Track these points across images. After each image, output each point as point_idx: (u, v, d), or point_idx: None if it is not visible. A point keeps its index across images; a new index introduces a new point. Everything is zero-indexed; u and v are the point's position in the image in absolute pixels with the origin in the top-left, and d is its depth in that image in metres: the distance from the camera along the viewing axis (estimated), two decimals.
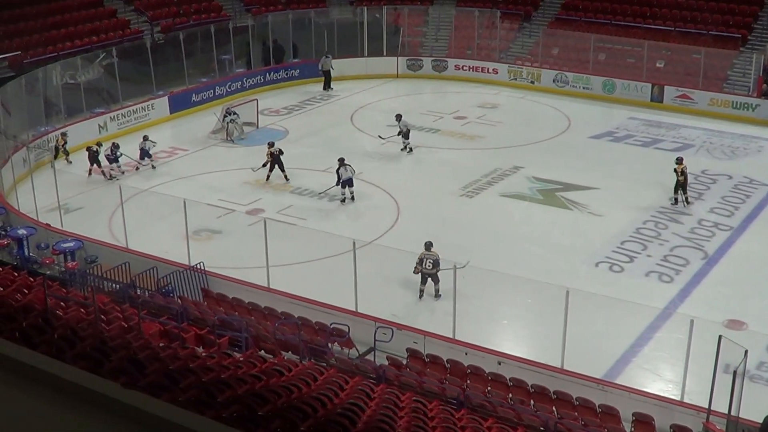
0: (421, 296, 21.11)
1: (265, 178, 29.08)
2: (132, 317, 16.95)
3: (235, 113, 33.48)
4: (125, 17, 39.96)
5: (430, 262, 20.78)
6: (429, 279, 20.98)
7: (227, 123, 33.06)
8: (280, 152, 28.95)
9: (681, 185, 26.57)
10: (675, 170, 26.58)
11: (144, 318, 17.33)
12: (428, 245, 21.06)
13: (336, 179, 26.99)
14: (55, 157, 29.21)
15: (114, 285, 20.67)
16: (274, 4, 43.76)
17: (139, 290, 20.36)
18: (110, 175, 28.95)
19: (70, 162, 30.18)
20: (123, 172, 29.40)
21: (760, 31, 39.19)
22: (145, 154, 30.25)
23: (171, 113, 35.53)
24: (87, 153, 29.03)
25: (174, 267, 21.12)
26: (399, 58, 41.60)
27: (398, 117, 31.61)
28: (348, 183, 26.88)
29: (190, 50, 37.99)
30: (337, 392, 12.93)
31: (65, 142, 30.38)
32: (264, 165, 28.74)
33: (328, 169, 29.25)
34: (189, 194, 25.11)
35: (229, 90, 38.27)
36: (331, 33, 42.50)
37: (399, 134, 31.34)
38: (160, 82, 36.42)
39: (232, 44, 39.76)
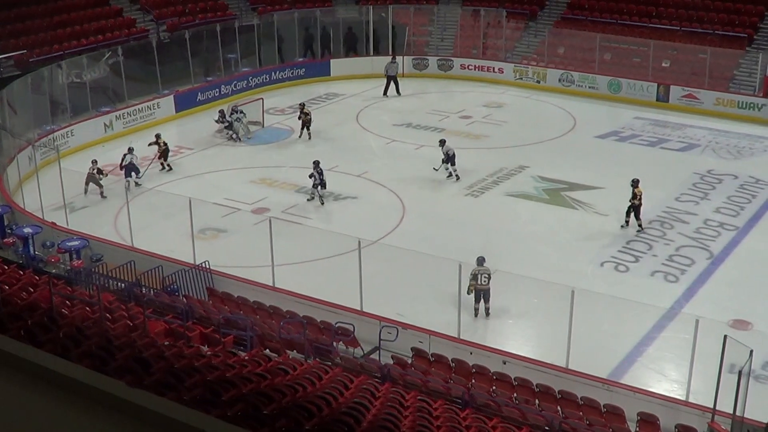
0: (476, 315, 20.17)
1: (299, 135, 33.06)
2: (137, 316, 16.97)
3: (241, 112, 33.48)
4: (131, 16, 40.02)
5: (485, 276, 19.89)
6: (482, 295, 20.07)
7: (233, 121, 33.06)
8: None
9: (636, 208, 24.74)
10: (634, 193, 24.57)
11: (149, 317, 17.34)
12: (481, 260, 20.20)
13: (318, 181, 26.68)
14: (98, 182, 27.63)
15: (119, 284, 20.69)
16: (279, 3, 43.75)
17: (144, 289, 20.37)
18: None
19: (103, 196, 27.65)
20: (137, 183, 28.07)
21: (766, 30, 39.13)
22: (131, 169, 28.16)
23: (176, 112, 35.55)
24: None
25: (179, 266, 21.14)
26: (404, 57, 41.55)
27: (441, 142, 29.22)
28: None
29: (196, 49, 37.97)
30: (342, 391, 12.95)
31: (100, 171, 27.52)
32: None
33: (333, 168, 29.26)
34: (194, 193, 25.14)
35: (234, 89, 38.26)
36: (337, 32, 42.55)
37: (443, 161, 28.87)
38: (165, 80, 36.44)
39: (237, 43, 39.76)
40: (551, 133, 33.99)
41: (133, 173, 28.20)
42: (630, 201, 24.75)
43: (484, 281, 19.93)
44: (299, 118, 33.21)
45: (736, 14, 39.86)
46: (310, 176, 26.76)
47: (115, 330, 14.74)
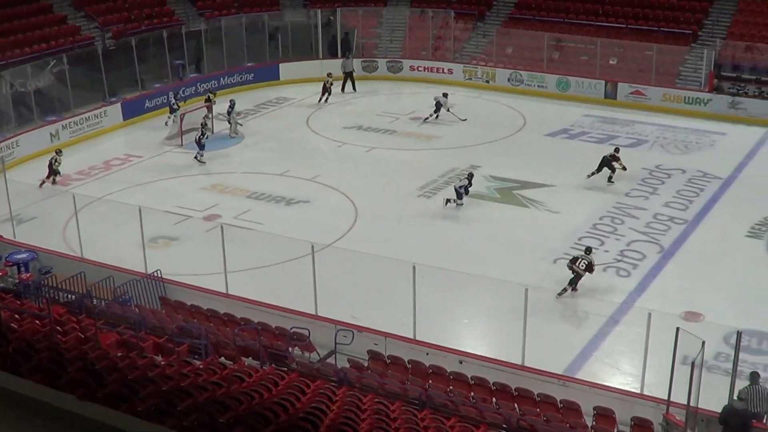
0: (560, 293, 21.12)
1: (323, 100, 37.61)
2: (89, 328, 16.76)
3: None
4: (76, 23, 39.48)
5: (584, 262, 21.00)
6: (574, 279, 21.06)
7: (233, 118, 33.53)
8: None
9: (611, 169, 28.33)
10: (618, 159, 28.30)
11: (101, 328, 17.15)
12: (588, 249, 21.60)
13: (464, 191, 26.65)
14: (53, 177, 28.72)
15: (69, 296, 20.42)
16: (227, 8, 43.51)
17: (95, 300, 20.13)
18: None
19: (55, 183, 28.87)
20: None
21: (710, 27, 39.69)
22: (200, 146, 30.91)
23: (124, 120, 35.17)
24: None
25: (131, 275, 20.91)
26: (354, 59, 41.51)
27: (445, 95, 35.11)
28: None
29: (143, 56, 37.66)
30: (298, 396, 12.89)
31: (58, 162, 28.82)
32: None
33: (285, 172, 29.25)
34: (144, 201, 24.91)
35: (182, 95, 37.84)
36: (285, 36, 42.42)
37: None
38: (112, 88, 36.06)
39: (185, 49, 39.46)
40: (502, 132, 34.18)
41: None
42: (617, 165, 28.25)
43: (582, 266, 20.92)
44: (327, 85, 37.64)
45: (681, 11, 40.44)
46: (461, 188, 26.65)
47: (66, 343, 14.54)
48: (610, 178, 28.30)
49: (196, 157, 30.86)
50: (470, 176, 26.95)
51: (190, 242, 24.63)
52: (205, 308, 19.89)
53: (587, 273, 20.96)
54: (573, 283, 21.02)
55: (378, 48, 43.90)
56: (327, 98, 37.88)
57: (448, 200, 26.72)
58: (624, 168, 28.32)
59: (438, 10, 43.63)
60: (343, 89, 39.64)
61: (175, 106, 34.67)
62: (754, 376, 15.56)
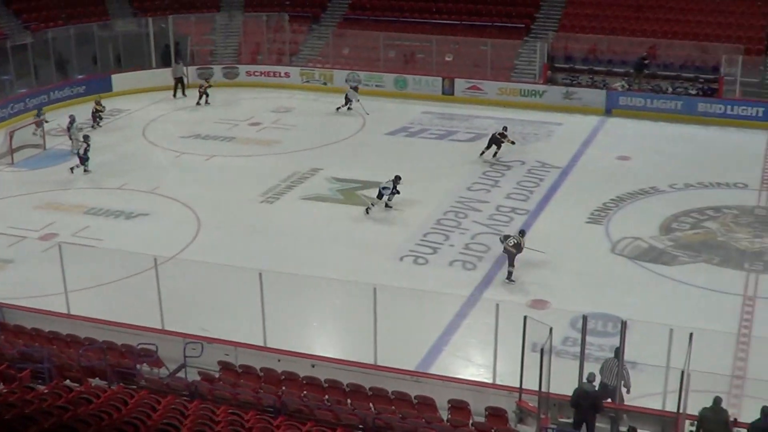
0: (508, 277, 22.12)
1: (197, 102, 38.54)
2: None
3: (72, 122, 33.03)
4: None
5: (513, 240, 22.06)
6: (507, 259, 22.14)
7: (74, 133, 32.29)
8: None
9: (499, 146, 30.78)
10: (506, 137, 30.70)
11: None
12: (522, 232, 22.69)
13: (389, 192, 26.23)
14: None
15: None
16: (53, 20, 42.05)
17: None
18: None
19: None
20: None
21: (542, 20, 41.03)
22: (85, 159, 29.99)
23: None
24: None
25: None
26: (188, 67, 40.85)
27: (354, 88, 37.33)
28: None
29: None
30: (149, 414, 12.68)
31: None
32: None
33: (123, 186, 28.54)
34: None
35: (11, 112, 36.38)
36: (116, 46, 41.41)
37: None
38: None
39: (11, 64, 37.91)
40: (342, 133, 34.30)
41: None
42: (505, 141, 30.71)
43: (509, 243, 22.02)
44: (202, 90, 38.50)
45: (513, 6, 41.66)
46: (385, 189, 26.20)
47: None
48: (495, 154, 30.64)
49: (73, 170, 29.88)
50: (396, 179, 26.38)
51: (26, 264, 23.61)
52: (47, 330, 19.12)
53: (515, 251, 21.89)
54: (510, 262, 22.06)
55: (213, 54, 43.40)
56: (206, 100, 38.56)
57: (371, 205, 26.54)
58: (513, 142, 30.97)
59: (272, 13, 43.49)
60: (174, 95, 39.47)
61: (43, 119, 33.73)
62: (617, 351, 15.90)
